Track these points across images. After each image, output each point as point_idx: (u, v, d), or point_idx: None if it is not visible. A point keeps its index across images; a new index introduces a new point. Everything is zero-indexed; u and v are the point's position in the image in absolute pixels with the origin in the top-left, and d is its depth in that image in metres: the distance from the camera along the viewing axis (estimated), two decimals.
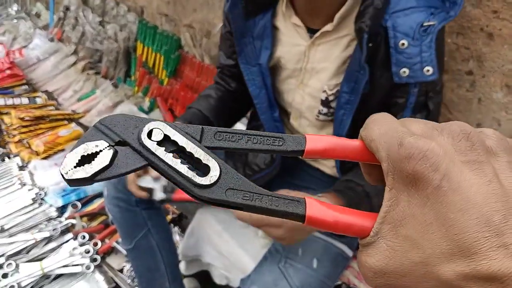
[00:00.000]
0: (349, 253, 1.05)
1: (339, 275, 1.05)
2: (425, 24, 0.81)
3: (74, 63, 2.63)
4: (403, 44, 0.82)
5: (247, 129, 1.21)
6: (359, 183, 0.93)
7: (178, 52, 2.21)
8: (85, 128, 2.18)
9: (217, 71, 1.17)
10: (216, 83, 1.16)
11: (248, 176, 1.16)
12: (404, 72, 0.84)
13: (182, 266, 1.46)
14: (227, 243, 1.26)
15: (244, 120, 1.98)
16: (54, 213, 1.67)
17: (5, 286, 1.37)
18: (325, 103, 0.96)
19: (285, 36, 0.98)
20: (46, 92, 2.47)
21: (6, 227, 1.58)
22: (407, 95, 0.88)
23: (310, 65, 0.96)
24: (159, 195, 0.90)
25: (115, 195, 1.15)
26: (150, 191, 0.95)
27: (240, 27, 0.97)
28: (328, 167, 1.11)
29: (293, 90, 1.01)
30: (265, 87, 1.01)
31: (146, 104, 2.37)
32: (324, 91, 0.95)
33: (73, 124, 2.20)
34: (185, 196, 0.81)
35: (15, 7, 3.41)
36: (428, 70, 0.83)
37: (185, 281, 1.43)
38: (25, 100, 2.32)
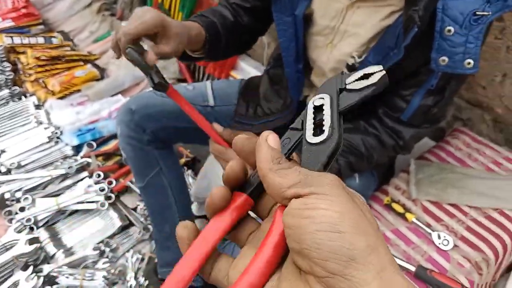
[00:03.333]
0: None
1: None
2: (478, 13, 0.73)
3: (90, 4, 2.58)
4: (449, 30, 0.75)
5: (266, 73, 1.17)
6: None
7: None
8: (101, 69, 2.17)
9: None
10: (225, 8, 1.03)
11: (258, 118, 1.14)
12: (444, 60, 0.77)
13: (193, 207, 1.47)
14: None
15: (258, 66, 1.93)
16: (69, 152, 1.69)
17: (22, 218, 1.42)
18: (351, 68, 0.91)
19: None
20: (62, 32, 2.44)
21: (23, 163, 1.61)
22: (430, 75, 0.83)
23: (344, 26, 0.90)
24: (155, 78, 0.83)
25: (128, 133, 1.15)
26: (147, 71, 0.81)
27: None
28: None
29: (320, 48, 0.96)
30: (295, 39, 0.95)
31: None
32: (353, 57, 0.90)
33: (88, 65, 2.18)
34: (180, 99, 0.80)
35: None
36: (469, 63, 0.76)
37: (196, 222, 1.46)
38: (41, 40, 2.29)
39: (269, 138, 0.32)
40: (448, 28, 0.75)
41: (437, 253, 0.99)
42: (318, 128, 0.32)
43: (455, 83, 0.87)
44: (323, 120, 0.32)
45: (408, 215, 1.05)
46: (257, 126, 1.14)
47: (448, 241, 1.00)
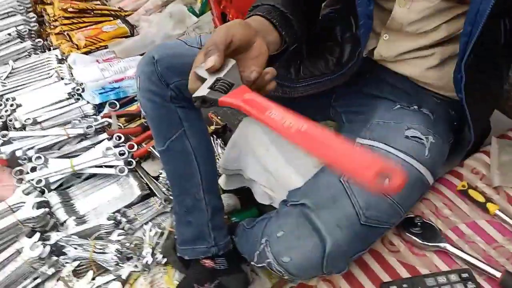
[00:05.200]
0: (430, 180, 0.82)
1: (414, 202, 0.83)
2: None
3: None
4: None
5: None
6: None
7: None
8: (131, 26, 2.00)
9: None
10: None
11: (302, 79, 0.92)
12: None
13: (221, 180, 1.29)
14: (273, 157, 1.06)
15: None
16: (90, 111, 1.54)
17: (33, 179, 1.28)
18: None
19: None
20: None
21: (39, 119, 1.47)
22: None
23: None
24: (203, 90, 0.64)
25: (149, 87, 0.96)
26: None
27: None
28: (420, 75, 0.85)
29: None
30: None
31: (198, 5, 2.15)
32: None
33: (118, 21, 2.01)
34: (234, 101, 0.60)
35: None
36: None
37: (224, 197, 1.28)
38: None
39: None
40: None
41: None
42: None
43: None
44: None
45: (490, 205, 0.82)
46: (301, 88, 0.93)
47: None
